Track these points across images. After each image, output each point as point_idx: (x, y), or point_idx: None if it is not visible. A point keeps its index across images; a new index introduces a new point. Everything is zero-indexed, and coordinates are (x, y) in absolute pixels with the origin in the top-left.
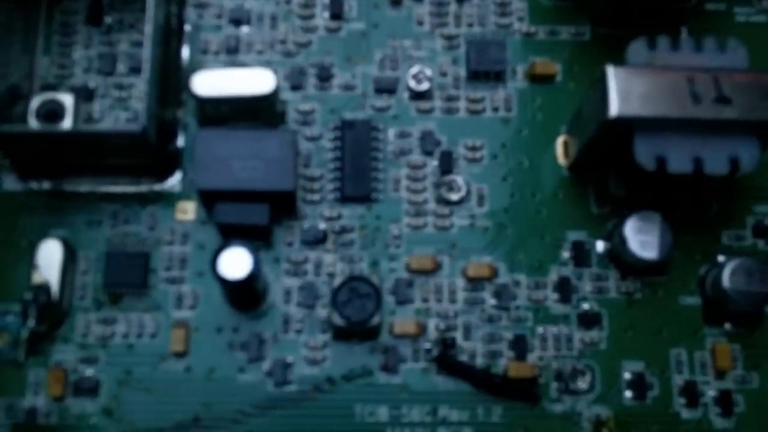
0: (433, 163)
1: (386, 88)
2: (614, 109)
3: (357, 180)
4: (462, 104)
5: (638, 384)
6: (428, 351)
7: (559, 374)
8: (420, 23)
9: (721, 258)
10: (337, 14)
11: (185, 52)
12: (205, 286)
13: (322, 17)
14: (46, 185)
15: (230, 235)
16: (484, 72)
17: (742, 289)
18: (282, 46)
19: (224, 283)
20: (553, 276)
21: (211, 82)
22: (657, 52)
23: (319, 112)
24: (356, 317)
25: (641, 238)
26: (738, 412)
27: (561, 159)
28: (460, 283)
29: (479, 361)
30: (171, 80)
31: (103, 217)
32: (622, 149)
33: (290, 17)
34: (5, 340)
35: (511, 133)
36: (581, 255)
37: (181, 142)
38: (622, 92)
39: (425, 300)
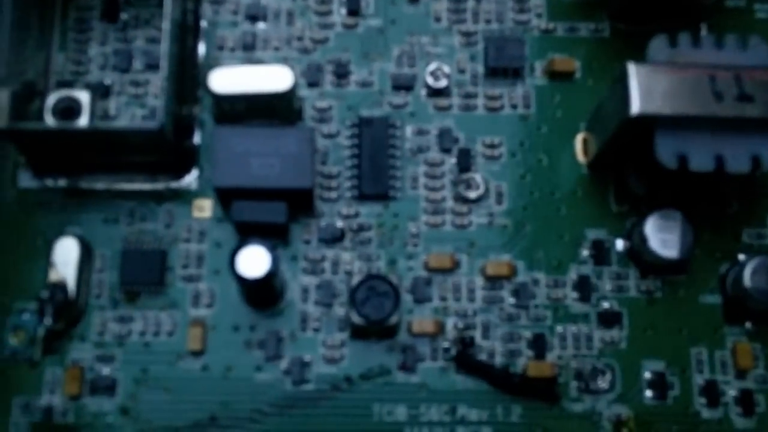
0: (452, 160)
1: (404, 85)
2: (636, 106)
3: (375, 178)
4: (480, 101)
5: (659, 383)
6: (447, 350)
7: (579, 373)
8: (438, 19)
9: (741, 257)
10: (354, 10)
11: (201, 48)
12: (222, 284)
13: (339, 13)
14: (62, 183)
15: (247, 233)
16: (503, 69)
17: (763, 288)
18: (299, 43)
19: (242, 281)
20: (572, 275)
21: (229, 79)
22: (678, 49)
23: (336, 109)
24: (374, 316)
25: (662, 237)
26: (759, 412)
27: (580, 157)
28: (479, 281)
29: (498, 360)
30: (187, 77)
31: (119, 215)
32: (642, 147)
33: (307, 13)
34: (21, 339)
35: (529, 131)
36: (601, 253)
37: (197, 139)
38: (644, 90)
39: (443, 299)
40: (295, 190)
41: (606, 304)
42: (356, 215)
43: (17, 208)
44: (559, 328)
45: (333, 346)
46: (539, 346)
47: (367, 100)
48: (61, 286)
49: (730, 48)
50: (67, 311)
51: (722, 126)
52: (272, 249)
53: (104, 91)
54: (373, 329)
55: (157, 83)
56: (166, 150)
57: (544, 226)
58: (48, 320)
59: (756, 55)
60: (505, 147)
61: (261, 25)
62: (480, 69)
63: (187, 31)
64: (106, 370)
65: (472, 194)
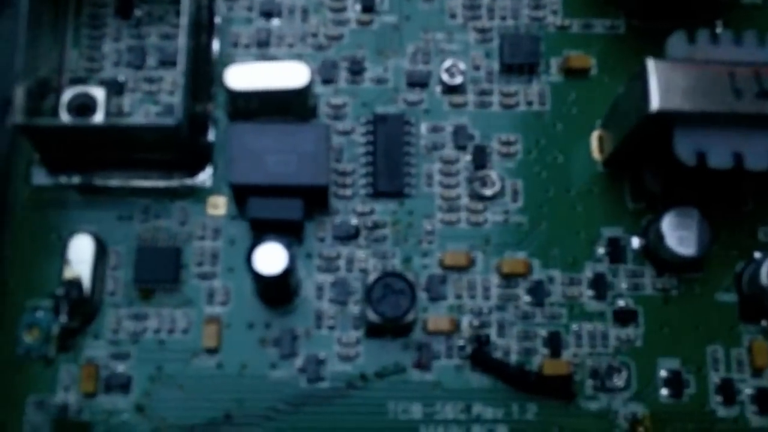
0: (467, 157)
1: (418, 82)
2: (655, 103)
3: (389, 175)
4: (495, 98)
5: (674, 382)
6: (462, 348)
7: (595, 372)
8: (453, 16)
9: (757, 254)
10: (368, 7)
11: (215, 45)
12: (237, 281)
13: (353, 10)
14: (76, 180)
15: (262, 230)
16: (518, 66)
17: None
18: (313, 39)
19: (259, 278)
20: (588, 272)
21: (245, 76)
22: (697, 45)
23: (350, 106)
24: (391, 313)
25: (679, 234)
26: None
27: (596, 154)
28: (494, 279)
29: (513, 358)
30: (201, 74)
31: (133, 212)
32: (659, 144)
33: (321, 10)
34: (36, 336)
35: (545, 128)
36: (617, 251)
37: (211, 136)
38: (663, 86)
39: (459, 296)
40: (311, 188)
41: (622, 302)
42: (371, 213)
43: (31, 205)
44: (574, 326)
45: (348, 344)
46: (555, 344)
47: (382, 97)
48: (76, 284)
49: (749, 45)
50: (82, 309)
51: (741, 123)
52: (289, 246)
53: (118, 87)
54: (389, 327)
55: (170, 80)
56: (181, 147)
57: (560, 224)
58: (63, 318)
59: None
60: (520, 144)
61: (275, 22)
62: (495, 66)
63: (201, 28)
64: (120, 368)
65: (488, 191)
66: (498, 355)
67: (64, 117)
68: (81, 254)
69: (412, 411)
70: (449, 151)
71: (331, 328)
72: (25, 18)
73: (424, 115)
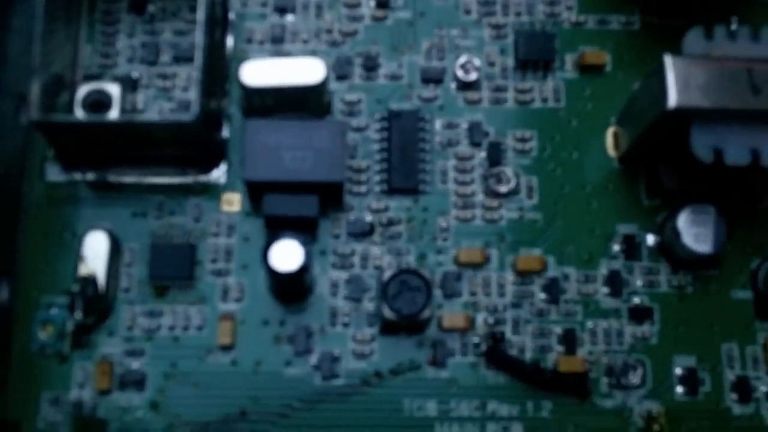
0: (481, 154)
1: (433, 78)
2: (673, 99)
3: (404, 171)
4: (510, 95)
5: (690, 379)
6: (477, 345)
7: (610, 369)
8: (467, 12)
9: None
10: (383, 3)
11: (229, 41)
12: (251, 278)
13: (368, 6)
14: (90, 176)
15: (276, 227)
16: (533, 62)
17: None
18: (328, 36)
19: (275, 275)
20: (603, 269)
21: (261, 72)
22: (714, 42)
23: (365, 102)
24: (407, 310)
25: (695, 231)
26: None
27: (611, 150)
28: (509, 276)
29: (528, 356)
30: (216, 70)
31: (148, 209)
32: (676, 141)
33: (336, 6)
34: (50, 333)
35: (560, 124)
36: (632, 248)
37: (225, 133)
38: (681, 83)
39: (473, 293)
40: (328, 184)
41: (637, 300)
42: (386, 209)
43: (45, 202)
44: (589, 324)
45: (363, 341)
46: (570, 341)
47: (397, 94)
48: (91, 281)
49: (767, 41)
50: (97, 306)
51: (759, 119)
52: (305, 243)
53: (132, 84)
54: (404, 324)
55: (184, 76)
56: (195, 143)
57: (575, 221)
58: (78, 314)
59: None
60: (535, 141)
61: (290, 18)
62: (510, 62)
63: (215, 24)
64: (135, 365)
65: (503, 188)
66: (513, 352)
67: (79, 113)
68: (96, 251)
69: (428, 408)
70: (464, 148)
71: (346, 325)
72: (40, 14)
73: (438, 112)
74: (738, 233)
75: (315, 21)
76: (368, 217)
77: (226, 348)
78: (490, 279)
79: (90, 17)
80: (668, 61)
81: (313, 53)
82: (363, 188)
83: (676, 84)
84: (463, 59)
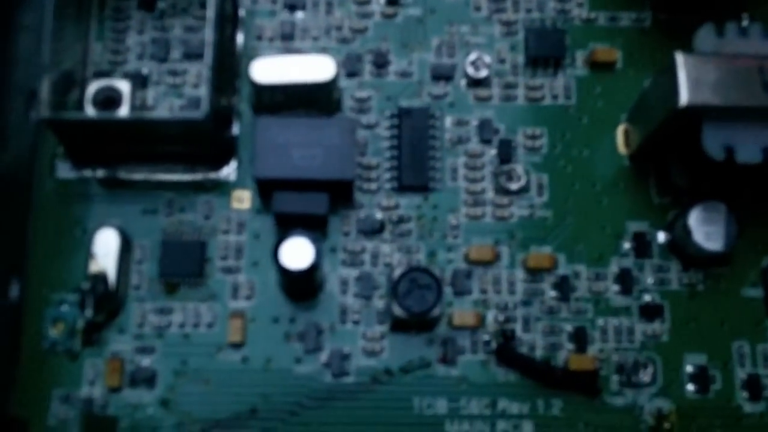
0: (492, 151)
1: (443, 75)
2: (684, 97)
3: (414, 169)
4: (521, 92)
5: (700, 377)
6: (487, 343)
7: (621, 367)
8: (477, 9)
9: None
10: (393, 0)
11: (239, 38)
12: (261, 275)
13: (377, 3)
14: (100, 173)
15: (286, 224)
16: (543, 59)
17: None
18: (338, 33)
19: (285, 273)
20: (613, 267)
21: (271, 69)
22: (725, 39)
23: (375, 99)
24: (417, 308)
25: (706, 229)
26: None
27: (622, 148)
28: (520, 274)
29: (539, 354)
30: (226, 67)
31: (158, 206)
32: (687, 138)
33: (346, 3)
34: (61, 330)
35: (570, 122)
36: (642, 246)
37: (235, 130)
38: (692, 80)
39: (484, 291)
40: (338, 182)
41: (647, 297)
42: (396, 207)
43: (56, 199)
44: (600, 322)
45: (373, 339)
46: (580, 339)
47: (407, 91)
48: (101, 278)
49: None
50: (107, 303)
51: None
52: (315, 241)
53: (142, 80)
54: (414, 322)
55: (194, 73)
56: (205, 141)
57: (586, 219)
58: (88, 312)
59: None
60: (545, 138)
61: (299, 15)
62: (520, 59)
63: (225, 21)
64: (145, 362)
65: (513, 186)
66: (523, 350)
67: (90, 110)
68: (106, 248)
69: (437, 406)
70: (474, 145)
71: (356, 322)
72: (50, 11)
73: (448, 109)
74: (749, 231)
75: (325, 18)
76: (378, 215)
77: (237, 345)
78: (500, 276)
79: (100, 14)
80: (679, 58)
81: (323, 50)
82: (373, 185)
83: (688, 82)
84: (473, 56)
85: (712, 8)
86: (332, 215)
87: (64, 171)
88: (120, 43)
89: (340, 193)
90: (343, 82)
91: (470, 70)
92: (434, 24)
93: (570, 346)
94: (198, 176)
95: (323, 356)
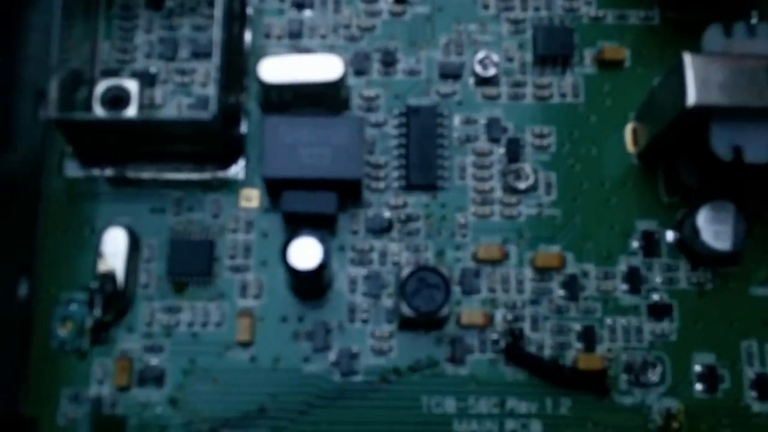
0: (500, 150)
1: (451, 74)
2: (692, 97)
3: (422, 168)
4: (529, 90)
5: (709, 376)
6: (496, 342)
7: (629, 366)
8: (486, 7)
9: None
10: None
11: (247, 36)
12: (270, 274)
13: (386, 1)
14: (108, 172)
15: (295, 223)
16: (552, 57)
17: None
18: (346, 31)
19: (293, 273)
20: (622, 266)
21: (279, 68)
22: (733, 39)
23: (383, 98)
24: (425, 308)
25: (714, 229)
26: None
27: (630, 147)
28: (528, 273)
29: (547, 353)
30: (234, 65)
31: (166, 205)
32: (695, 138)
33: (354, 1)
34: (70, 329)
35: (579, 120)
36: (651, 245)
37: (244, 128)
38: (700, 81)
39: (492, 290)
40: (346, 181)
41: (656, 296)
42: (404, 206)
43: (64, 198)
44: (608, 321)
45: (381, 338)
46: (589, 338)
47: (415, 89)
48: (110, 277)
49: None
50: (116, 302)
51: None
52: (323, 240)
53: (150, 79)
54: (422, 321)
55: (202, 71)
56: (213, 140)
57: (594, 217)
58: (97, 311)
59: None
60: (554, 137)
61: (308, 13)
62: (528, 57)
63: (233, 19)
64: (154, 361)
65: (521, 185)
66: (532, 349)
67: (98, 109)
68: (114, 247)
69: (446, 405)
70: (482, 144)
71: (365, 321)
72: (58, 10)
73: (457, 107)
74: (757, 230)
75: (333, 16)
76: (386, 214)
77: (245, 344)
78: (508, 275)
79: (108, 13)
80: (687, 59)
81: (331, 48)
82: (381, 184)
83: (695, 82)
84: (481, 54)
85: (721, 6)
86: (341, 214)
87: (73, 170)
88: (128, 41)
89: (349, 192)
90: (351, 81)
91: (478, 69)
92: (442, 22)
93: (578, 345)
94: (206, 175)
95: (332, 355)
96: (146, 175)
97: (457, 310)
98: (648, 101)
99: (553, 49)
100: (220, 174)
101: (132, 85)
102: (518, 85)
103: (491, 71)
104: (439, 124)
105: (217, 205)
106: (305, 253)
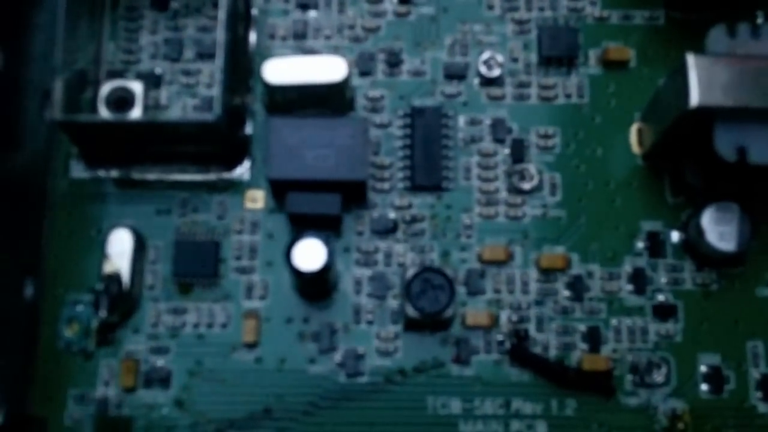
0: (505, 151)
1: (456, 74)
2: (695, 98)
3: (427, 168)
4: (534, 91)
5: (714, 377)
6: (501, 343)
7: (634, 367)
8: (490, 7)
9: None
10: None
11: (252, 37)
12: (275, 275)
13: (390, 1)
14: (114, 173)
15: (300, 224)
16: (556, 58)
17: None
18: (350, 32)
19: (298, 274)
20: (627, 267)
21: (283, 70)
22: (737, 39)
23: (388, 98)
24: (430, 309)
25: (719, 229)
26: None
27: (635, 147)
28: (533, 274)
29: (552, 354)
30: (239, 66)
31: (171, 206)
32: (700, 138)
33: (358, 2)
34: (76, 330)
35: (583, 121)
36: (656, 245)
37: (249, 129)
38: (704, 81)
39: (497, 291)
40: (351, 182)
41: (661, 297)
42: (409, 206)
43: (70, 199)
44: (613, 321)
45: (387, 339)
46: (594, 339)
47: (420, 90)
48: (115, 278)
49: None
50: (122, 303)
51: None
52: (328, 242)
53: (155, 80)
54: (428, 322)
55: (208, 72)
56: (218, 141)
57: (599, 218)
58: (103, 312)
59: None
60: (559, 137)
61: (312, 14)
62: (533, 58)
63: (238, 20)
64: (160, 362)
65: (526, 185)
66: (537, 350)
67: (103, 111)
68: (120, 248)
69: (451, 406)
70: (487, 145)
71: (370, 322)
72: (63, 11)
73: (461, 108)
74: (762, 231)
75: (337, 17)
76: (391, 215)
77: (251, 345)
78: (513, 276)
79: (113, 14)
80: (691, 60)
81: (336, 49)
82: (386, 185)
83: (699, 83)
84: (486, 55)
85: (726, 6)
86: (346, 215)
87: (78, 171)
88: (133, 42)
89: (353, 193)
90: (356, 81)
91: (483, 69)
92: (447, 23)
93: (583, 346)
94: (211, 176)
95: (337, 356)
96: (152, 176)
97: (463, 311)
98: (653, 102)
99: (558, 50)
100: (226, 175)
101: (137, 87)
102: (523, 85)
103: (496, 72)
104: (444, 124)
105: (223, 207)
106: (309, 254)
